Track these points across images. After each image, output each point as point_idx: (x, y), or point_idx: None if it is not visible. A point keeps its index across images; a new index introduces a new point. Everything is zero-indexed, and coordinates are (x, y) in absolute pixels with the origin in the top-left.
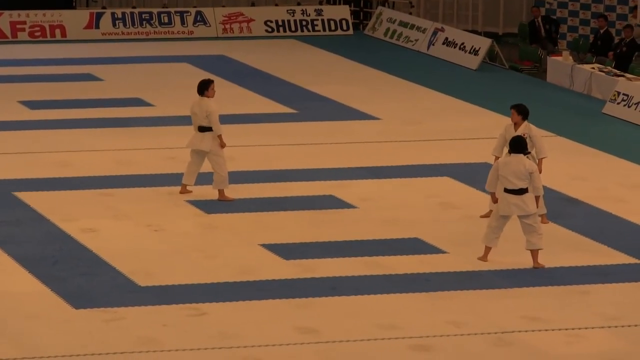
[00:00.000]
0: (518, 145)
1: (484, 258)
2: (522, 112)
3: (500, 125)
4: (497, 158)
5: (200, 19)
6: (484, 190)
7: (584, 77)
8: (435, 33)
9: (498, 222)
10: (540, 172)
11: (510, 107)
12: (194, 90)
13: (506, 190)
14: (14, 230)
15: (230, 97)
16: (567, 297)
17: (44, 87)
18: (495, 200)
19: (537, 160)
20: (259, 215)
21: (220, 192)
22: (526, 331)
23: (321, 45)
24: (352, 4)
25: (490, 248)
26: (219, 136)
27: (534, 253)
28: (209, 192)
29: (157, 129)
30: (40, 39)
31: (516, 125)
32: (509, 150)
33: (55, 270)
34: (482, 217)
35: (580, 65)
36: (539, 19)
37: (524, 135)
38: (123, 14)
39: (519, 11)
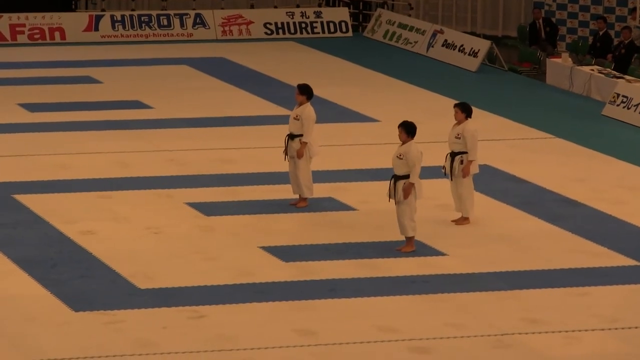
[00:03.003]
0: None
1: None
2: (465, 110)
3: (499, 126)
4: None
5: (199, 21)
6: (481, 192)
7: (584, 78)
8: (434, 35)
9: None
10: (464, 175)
11: (454, 106)
12: (193, 92)
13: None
14: (13, 232)
15: (229, 99)
16: (566, 299)
17: (43, 90)
18: None
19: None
20: (258, 218)
21: (301, 199)
22: (525, 333)
23: (320, 48)
24: (352, 6)
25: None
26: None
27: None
28: (207, 195)
29: (157, 131)
30: (40, 41)
31: (459, 123)
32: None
33: (55, 272)
34: (453, 221)
35: (580, 67)
36: (540, 21)
37: (457, 135)
38: (122, 16)
39: (518, 13)
